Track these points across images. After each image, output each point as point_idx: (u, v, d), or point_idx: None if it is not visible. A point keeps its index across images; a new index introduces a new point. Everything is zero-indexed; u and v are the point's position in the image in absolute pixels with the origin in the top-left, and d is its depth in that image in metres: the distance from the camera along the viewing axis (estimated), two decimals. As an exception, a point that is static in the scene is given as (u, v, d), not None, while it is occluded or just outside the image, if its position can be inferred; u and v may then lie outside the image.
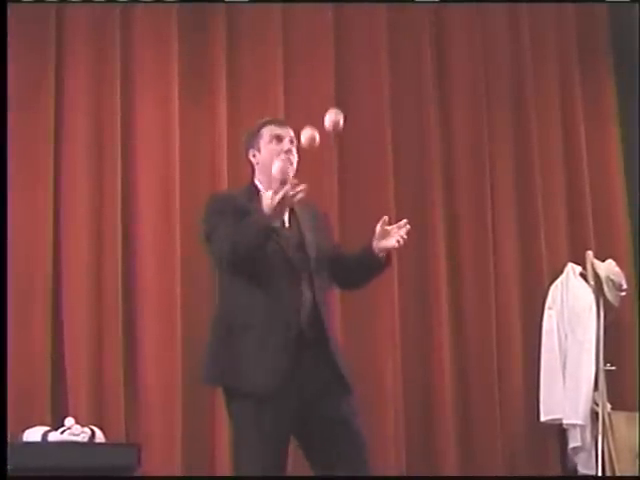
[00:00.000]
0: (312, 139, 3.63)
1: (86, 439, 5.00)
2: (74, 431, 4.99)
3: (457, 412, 6.09)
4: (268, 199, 3.43)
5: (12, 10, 5.29)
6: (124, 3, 5.85)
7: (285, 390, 3.50)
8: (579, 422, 5.90)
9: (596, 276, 6.09)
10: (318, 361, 3.59)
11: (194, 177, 5.86)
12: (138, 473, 4.99)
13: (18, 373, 5.26)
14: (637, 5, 6.49)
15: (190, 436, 5.54)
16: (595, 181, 6.64)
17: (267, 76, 6.06)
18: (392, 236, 3.66)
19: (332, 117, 3.67)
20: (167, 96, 5.83)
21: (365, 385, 5.61)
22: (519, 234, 6.44)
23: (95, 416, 5.32)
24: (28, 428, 5.05)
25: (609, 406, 5.98)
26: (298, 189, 3.43)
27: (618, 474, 5.81)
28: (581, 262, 6.20)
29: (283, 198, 3.41)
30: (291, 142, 3.76)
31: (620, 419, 5.97)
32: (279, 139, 3.76)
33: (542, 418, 6.01)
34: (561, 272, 6.22)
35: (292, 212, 3.72)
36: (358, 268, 3.78)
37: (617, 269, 6.11)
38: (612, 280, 6.06)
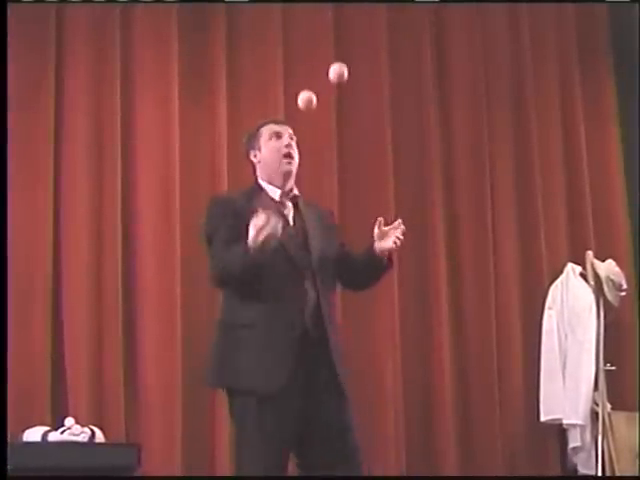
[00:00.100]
0: (309, 101, 3.75)
1: (86, 439, 5.00)
2: (74, 431, 4.99)
3: (457, 412, 6.09)
4: (251, 236, 3.45)
5: (12, 10, 5.29)
6: (124, 3, 5.85)
7: (288, 390, 3.51)
8: (579, 422, 5.90)
9: (596, 276, 6.08)
10: (318, 361, 3.60)
11: (194, 177, 5.86)
12: (138, 473, 4.99)
13: (18, 373, 5.27)
14: (637, 5, 6.49)
15: (190, 436, 5.54)
16: (595, 181, 6.64)
17: (267, 76, 6.06)
18: (389, 237, 3.67)
19: (336, 69, 3.75)
20: (167, 96, 5.84)
21: (365, 385, 5.62)
22: (519, 234, 6.44)
23: (95, 416, 5.32)
24: (28, 428, 5.06)
25: (609, 406, 5.98)
26: (278, 228, 3.45)
27: (618, 474, 5.81)
28: (581, 262, 6.20)
29: (266, 237, 3.44)
30: (291, 138, 3.82)
31: (620, 419, 5.97)
32: (278, 136, 3.81)
33: (542, 418, 6.01)
34: (561, 272, 6.22)
35: (297, 210, 3.75)
36: (363, 269, 3.80)
37: (617, 269, 6.11)
38: (612, 280, 6.05)
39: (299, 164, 3.84)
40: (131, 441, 5.33)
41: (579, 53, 6.81)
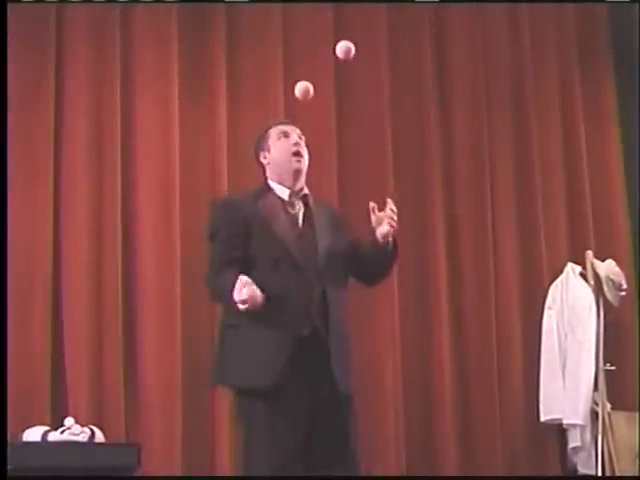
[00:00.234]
0: (306, 91, 3.81)
1: (86, 439, 5.00)
2: (74, 431, 4.99)
3: (457, 412, 6.09)
4: (235, 295, 3.47)
5: (12, 10, 5.29)
6: (124, 3, 5.85)
7: (293, 388, 3.54)
8: (579, 422, 5.89)
9: (596, 276, 6.09)
10: (321, 361, 3.60)
11: (194, 177, 5.87)
12: (138, 473, 4.99)
13: (18, 373, 5.27)
14: (637, 5, 6.49)
15: (190, 436, 5.54)
16: (595, 181, 6.64)
17: (267, 76, 6.06)
18: (384, 221, 3.67)
19: (342, 47, 3.88)
20: (167, 96, 5.84)
21: (365, 385, 5.62)
22: (519, 234, 6.44)
23: (95, 416, 5.32)
24: (28, 428, 5.05)
25: (609, 406, 5.98)
26: (253, 298, 3.46)
27: (618, 474, 5.80)
28: (581, 262, 6.20)
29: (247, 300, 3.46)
30: (299, 137, 3.84)
31: (620, 419, 5.97)
32: (286, 135, 3.84)
33: (542, 418, 6.01)
34: (561, 272, 6.21)
35: (307, 210, 3.77)
36: (372, 260, 3.79)
37: (617, 269, 6.11)
38: (612, 280, 6.06)
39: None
40: (131, 441, 5.32)
41: (579, 53, 6.81)
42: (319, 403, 3.60)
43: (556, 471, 6.15)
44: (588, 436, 5.94)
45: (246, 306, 3.45)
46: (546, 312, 6.13)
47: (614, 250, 6.41)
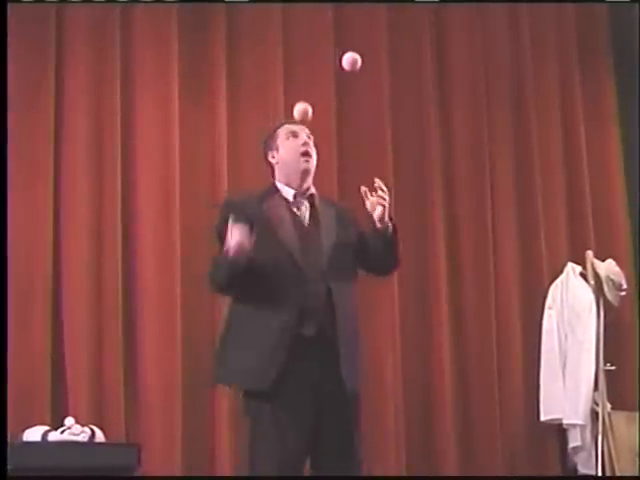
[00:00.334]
0: (304, 113, 3.80)
1: (86, 439, 5.00)
2: (74, 431, 4.99)
3: (457, 412, 6.09)
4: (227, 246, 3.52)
5: (12, 10, 5.29)
6: (124, 3, 5.85)
7: (298, 387, 3.55)
8: (579, 422, 5.90)
9: (596, 276, 6.09)
10: (328, 359, 3.61)
11: (194, 177, 5.87)
12: (138, 473, 4.99)
13: (18, 373, 5.26)
14: (637, 5, 6.49)
15: (190, 436, 5.54)
16: (595, 181, 6.64)
17: (267, 76, 6.06)
18: (375, 203, 3.66)
19: (348, 58, 3.90)
20: (167, 96, 5.84)
21: (365, 385, 5.60)
22: (519, 234, 6.44)
23: (95, 416, 5.32)
24: (28, 428, 5.05)
25: (609, 406, 5.98)
26: (245, 242, 3.50)
27: (618, 474, 5.80)
28: (581, 262, 6.20)
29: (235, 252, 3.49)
30: (308, 137, 3.84)
31: (620, 419, 5.97)
32: (295, 135, 3.84)
33: (542, 418, 6.01)
34: (561, 272, 6.22)
35: (313, 210, 3.77)
36: (375, 248, 3.76)
37: (617, 269, 6.11)
38: (612, 280, 6.06)
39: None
40: (131, 441, 5.32)
41: (579, 53, 6.81)
42: (325, 402, 3.60)
43: (556, 471, 6.15)
44: (588, 436, 5.94)
45: (237, 248, 3.49)
46: (546, 312, 6.14)
47: (614, 250, 6.42)
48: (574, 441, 5.99)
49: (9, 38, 5.29)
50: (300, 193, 3.80)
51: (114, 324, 5.54)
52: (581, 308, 6.05)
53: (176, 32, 5.91)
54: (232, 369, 3.66)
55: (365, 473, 3.80)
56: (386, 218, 3.68)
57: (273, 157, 3.87)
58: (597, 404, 5.94)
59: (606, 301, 6.07)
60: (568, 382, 5.97)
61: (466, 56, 6.54)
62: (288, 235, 3.67)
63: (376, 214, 3.66)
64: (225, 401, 5.58)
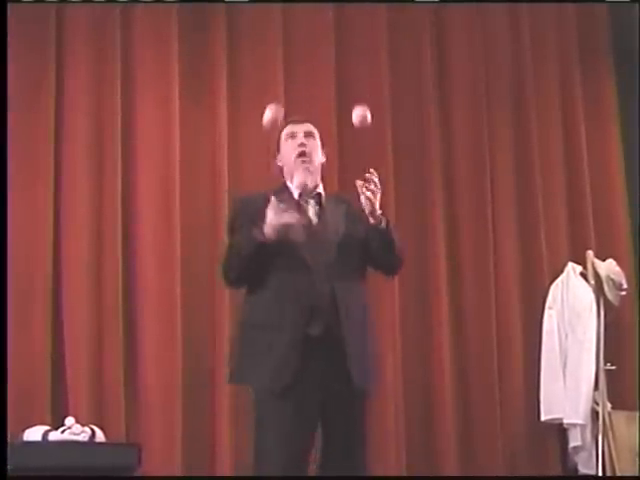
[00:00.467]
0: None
1: (86, 439, 5.00)
2: (74, 430, 4.99)
3: (457, 412, 6.09)
4: (269, 221, 3.54)
5: (12, 10, 5.29)
6: (124, 3, 5.85)
7: (305, 387, 3.56)
8: (579, 421, 5.89)
9: (596, 275, 6.08)
10: (335, 358, 3.62)
11: (194, 177, 5.86)
12: (138, 473, 4.99)
13: (18, 373, 5.27)
14: (637, 5, 6.48)
15: (190, 436, 5.54)
16: (595, 181, 6.64)
17: (267, 76, 6.06)
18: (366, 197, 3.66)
19: (359, 114, 3.93)
20: (167, 96, 5.83)
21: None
22: (519, 234, 6.44)
23: (95, 416, 5.32)
24: (28, 428, 5.05)
25: (609, 405, 5.97)
26: (294, 218, 3.53)
27: (618, 474, 5.80)
28: (581, 261, 6.20)
29: (282, 225, 3.52)
30: (306, 135, 3.84)
31: (620, 418, 5.97)
32: (293, 136, 3.86)
33: (542, 418, 6.00)
34: (561, 271, 6.21)
35: (321, 209, 3.79)
36: (373, 245, 3.75)
37: (617, 268, 6.11)
38: (612, 279, 6.05)
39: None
40: (131, 441, 5.32)
41: (579, 53, 6.80)
42: (333, 401, 3.62)
43: (556, 471, 6.14)
44: (588, 436, 5.94)
45: (281, 219, 3.52)
46: (546, 312, 6.13)
47: (614, 250, 6.41)
48: (574, 441, 5.99)
49: (9, 38, 5.29)
50: (306, 192, 3.80)
51: (114, 324, 5.54)
52: (581, 308, 6.04)
53: (176, 32, 5.91)
54: (246, 369, 3.68)
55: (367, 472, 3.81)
56: (377, 212, 3.66)
57: (278, 159, 3.91)
58: (597, 404, 5.93)
59: (606, 301, 6.07)
60: (568, 382, 5.97)
61: (466, 56, 6.53)
62: (296, 233, 3.66)
63: (367, 207, 3.66)
64: (225, 401, 5.59)
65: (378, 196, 3.65)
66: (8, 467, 4.27)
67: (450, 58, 6.52)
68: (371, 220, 3.67)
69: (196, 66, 5.98)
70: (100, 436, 5.06)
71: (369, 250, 3.77)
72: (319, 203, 3.82)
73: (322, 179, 4.05)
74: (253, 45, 6.11)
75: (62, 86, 5.71)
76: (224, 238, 5.60)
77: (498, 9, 6.64)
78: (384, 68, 6.30)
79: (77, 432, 4.98)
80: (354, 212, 3.79)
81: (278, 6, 6.14)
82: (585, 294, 6.07)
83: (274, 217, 3.54)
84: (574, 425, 5.95)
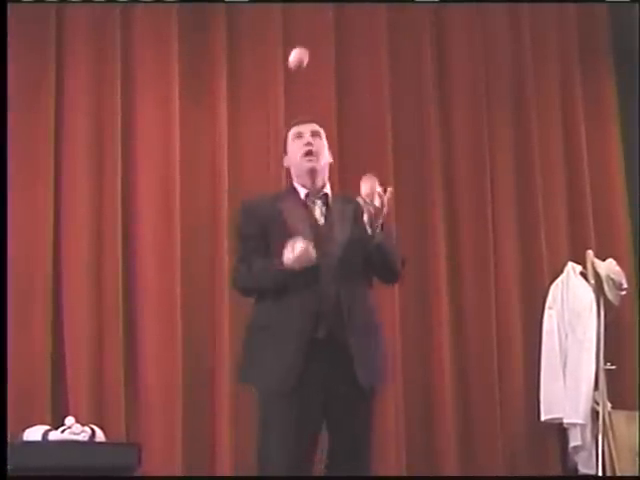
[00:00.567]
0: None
1: (86, 438, 4.99)
2: (74, 430, 4.99)
3: (457, 412, 6.09)
4: (288, 258, 3.55)
5: (12, 10, 5.29)
6: (124, 3, 5.85)
7: (310, 389, 3.58)
8: (579, 421, 5.89)
9: (596, 275, 6.08)
10: (337, 359, 3.63)
11: (194, 177, 5.87)
12: (138, 473, 4.99)
13: (18, 373, 5.27)
14: (637, 5, 6.48)
15: (190, 436, 5.54)
16: (595, 181, 6.64)
17: (267, 76, 6.06)
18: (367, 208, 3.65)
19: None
20: (167, 96, 5.83)
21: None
22: (519, 234, 6.44)
23: (95, 415, 5.32)
24: (28, 427, 5.05)
25: (609, 405, 5.97)
26: (311, 251, 3.53)
27: (618, 473, 5.80)
28: (581, 261, 6.19)
29: (300, 257, 3.53)
30: (312, 135, 3.85)
31: (620, 418, 5.97)
32: (299, 136, 3.86)
33: (542, 417, 6.00)
34: (561, 271, 6.21)
35: (327, 210, 3.80)
36: (372, 254, 3.75)
37: (617, 268, 6.10)
38: (612, 279, 6.05)
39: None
40: (131, 440, 5.32)
41: (580, 53, 6.80)
42: (338, 404, 3.64)
43: (556, 471, 6.14)
44: (588, 435, 5.94)
45: (299, 264, 3.52)
46: (546, 312, 6.13)
47: (614, 249, 6.41)
48: (574, 440, 5.99)
49: (9, 38, 5.29)
50: (313, 192, 3.82)
51: (114, 324, 5.54)
52: (581, 307, 6.04)
53: (176, 32, 5.91)
54: (252, 370, 3.71)
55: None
56: (375, 227, 3.65)
57: (285, 160, 3.93)
58: (597, 403, 5.93)
59: (606, 300, 6.06)
60: (568, 381, 5.96)
61: (466, 56, 6.53)
62: (303, 235, 3.67)
63: (367, 220, 3.65)
64: (225, 401, 5.59)
65: (383, 213, 3.63)
66: (8, 467, 4.26)
67: (450, 58, 6.52)
68: (368, 230, 3.66)
69: (196, 66, 5.97)
70: (100, 436, 5.06)
71: (368, 257, 3.77)
72: (326, 203, 3.82)
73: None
74: (253, 45, 6.11)
75: (62, 86, 5.71)
76: (225, 241, 5.71)
77: (498, 9, 6.64)
78: (384, 68, 6.30)
79: (77, 432, 4.98)
80: (362, 213, 3.77)
81: (278, 6, 6.14)
82: (585, 294, 6.07)
83: (291, 259, 3.54)
84: (574, 425, 5.95)
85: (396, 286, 5.96)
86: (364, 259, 3.74)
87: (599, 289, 6.07)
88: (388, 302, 5.99)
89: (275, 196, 3.94)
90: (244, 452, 5.41)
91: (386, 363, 3.89)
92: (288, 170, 3.97)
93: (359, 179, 6.12)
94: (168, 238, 5.71)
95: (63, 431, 4.99)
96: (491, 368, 6.18)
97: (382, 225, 3.67)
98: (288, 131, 3.94)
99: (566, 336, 6.07)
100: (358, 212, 3.75)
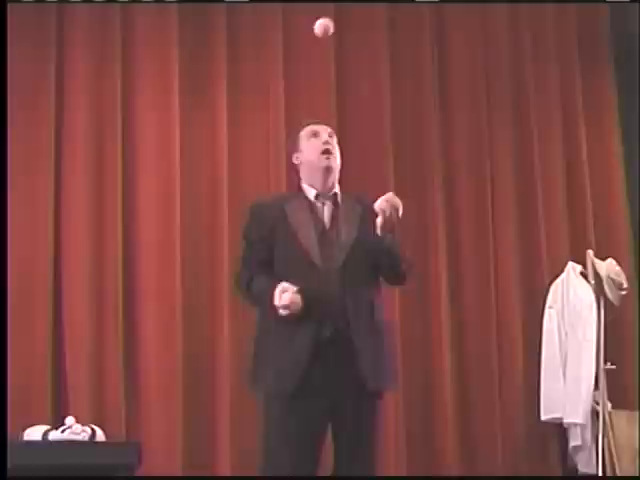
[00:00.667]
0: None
1: (87, 438, 4.99)
2: (75, 430, 4.99)
3: (457, 412, 6.09)
4: (275, 301, 3.59)
5: (12, 10, 5.29)
6: (124, 3, 5.85)
7: (311, 389, 3.60)
8: (579, 421, 5.89)
9: (597, 275, 6.08)
10: (342, 359, 3.64)
11: (194, 177, 5.87)
12: (138, 472, 4.99)
13: (18, 373, 5.27)
14: (637, 5, 6.49)
15: (190, 435, 5.54)
16: (595, 181, 6.63)
17: (267, 76, 6.06)
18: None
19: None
20: (167, 96, 5.84)
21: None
22: (519, 234, 6.44)
23: (95, 415, 5.32)
24: (28, 427, 5.05)
25: (609, 405, 5.97)
26: (297, 300, 3.57)
27: (619, 473, 5.80)
28: (582, 261, 6.19)
29: (288, 306, 3.57)
30: (330, 136, 3.90)
31: (620, 418, 5.97)
32: (316, 134, 3.90)
33: (542, 417, 6.00)
34: (562, 271, 6.21)
35: (335, 210, 3.80)
36: (379, 255, 3.77)
37: (618, 268, 6.10)
38: (613, 279, 6.05)
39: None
40: (132, 440, 5.32)
41: (579, 53, 6.80)
42: (342, 404, 3.65)
43: (557, 471, 6.14)
44: (589, 435, 5.93)
45: (287, 312, 3.57)
46: (547, 311, 6.13)
47: (614, 249, 6.41)
48: (574, 440, 5.98)
49: (9, 38, 5.29)
50: (323, 193, 3.84)
51: (114, 324, 5.54)
52: (582, 307, 6.04)
53: (176, 32, 5.91)
54: (258, 370, 3.74)
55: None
56: (386, 229, 3.66)
57: (297, 158, 3.93)
58: (598, 403, 5.93)
59: (607, 300, 6.06)
60: (569, 381, 5.96)
61: (466, 56, 6.53)
62: (308, 237, 3.71)
63: (378, 224, 3.66)
64: (225, 401, 5.59)
65: (392, 224, 3.65)
66: (8, 466, 4.26)
67: (450, 58, 6.52)
68: (378, 232, 3.67)
69: (196, 66, 5.97)
70: (100, 435, 5.06)
71: (376, 259, 3.78)
72: (335, 203, 3.83)
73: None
74: (253, 45, 6.11)
75: (62, 86, 5.72)
76: (225, 241, 5.71)
77: (498, 9, 6.64)
78: (384, 68, 6.30)
79: (77, 431, 4.98)
80: (371, 214, 3.78)
81: (278, 6, 6.14)
82: (585, 294, 6.06)
83: (279, 307, 3.59)
84: (574, 424, 5.95)
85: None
86: (371, 260, 3.75)
87: (599, 289, 6.07)
88: (388, 302, 5.98)
89: (283, 197, 3.99)
90: (244, 452, 5.41)
91: (393, 364, 3.88)
92: (292, 170, 3.97)
93: (359, 179, 6.18)
94: (168, 238, 5.71)
95: (63, 431, 4.98)
96: (491, 368, 6.18)
97: (393, 230, 3.71)
98: (300, 131, 3.96)
99: (566, 336, 6.07)
100: (367, 213, 3.76)
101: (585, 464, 5.97)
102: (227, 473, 5.50)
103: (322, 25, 3.92)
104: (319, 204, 3.83)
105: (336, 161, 3.88)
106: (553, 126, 6.64)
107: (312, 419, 3.61)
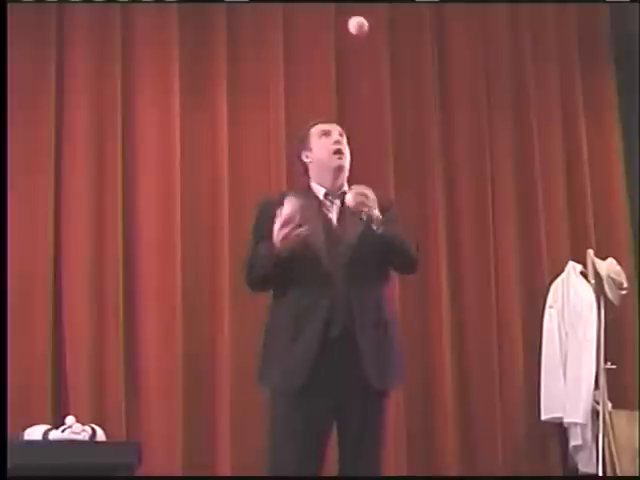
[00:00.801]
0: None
1: (87, 438, 4.99)
2: (75, 430, 4.99)
3: (457, 412, 6.08)
4: (275, 235, 3.56)
5: (12, 10, 5.29)
6: (124, 3, 5.85)
7: (316, 387, 3.59)
8: (580, 421, 5.89)
9: (597, 275, 6.08)
10: (347, 358, 3.64)
11: (194, 177, 5.87)
12: (139, 472, 4.99)
13: (18, 373, 5.27)
14: (637, 5, 6.49)
15: (191, 435, 5.54)
16: (595, 180, 6.64)
17: (267, 76, 6.06)
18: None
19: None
20: (167, 96, 5.84)
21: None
22: (519, 233, 6.44)
23: (96, 415, 5.32)
24: (29, 427, 5.05)
25: (610, 405, 5.97)
26: (299, 231, 3.54)
27: (619, 473, 5.81)
28: (582, 261, 6.20)
29: (287, 237, 3.54)
30: (340, 135, 3.89)
31: (621, 418, 5.97)
32: (327, 134, 3.89)
33: (543, 417, 6.00)
34: (562, 271, 6.21)
35: (343, 208, 3.78)
36: (380, 246, 3.75)
37: (618, 268, 6.10)
38: (613, 279, 6.05)
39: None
40: (132, 440, 5.32)
41: (579, 53, 6.80)
42: (347, 403, 3.65)
43: (557, 471, 6.14)
44: (589, 435, 5.94)
45: (289, 228, 3.54)
46: (547, 311, 6.14)
47: (614, 249, 6.41)
48: (575, 440, 5.98)
49: (9, 38, 5.29)
50: (332, 191, 3.83)
51: (114, 324, 5.54)
52: (582, 307, 6.04)
53: (176, 32, 5.91)
54: (265, 370, 3.73)
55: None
56: (373, 219, 3.66)
57: (307, 157, 3.91)
58: (598, 403, 5.93)
59: (607, 300, 6.06)
60: (569, 381, 5.96)
61: (466, 56, 6.54)
62: (315, 236, 3.69)
63: (363, 217, 3.67)
64: (225, 401, 5.59)
65: (371, 205, 3.65)
66: (8, 466, 4.26)
67: (450, 58, 6.52)
68: (374, 228, 3.68)
69: (196, 66, 5.97)
70: (100, 435, 5.06)
71: (379, 250, 3.77)
72: (343, 202, 3.82)
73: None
74: (253, 45, 6.11)
75: (62, 86, 5.72)
76: (226, 241, 5.71)
77: (498, 9, 6.65)
78: (384, 68, 6.30)
79: (77, 431, 4.98)
80: (382, 209, 3.77)
81: (278, 6, 6.14)
82: (586, 293, 6.07)
83: (277, 232, 3.57)
84: (574, 424, 5.95)
85: (396, 285, 5.98)
86: (379, 256, 3.75)
87: (599, 289, 6.07)
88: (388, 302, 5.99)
89: (293, 195, 3.92)
90: (244, 452, 5.42)
91: (401, 362, 3.88)
92: (293, 170, 3.97)
93: (359, 179, 6.16)
94: (168, 238, 5.71)
95: (63, 430, 4.99)
96: (491, 368, 6.18)
97: (383, 212, 3.70)
98: (309, 129, 3.93)
99: (567, 335, 6.07)
100: (380, 209, 3.75)
101: (585, 464, 5.98)
102: (227, 473, 5.50)
103: (357, 23, 3.95)
104: (328, 203, 3.82)
105: (347, 161, 3.88)
106: (553, 126, 6.64)
107: (317, 417, 3.61)
